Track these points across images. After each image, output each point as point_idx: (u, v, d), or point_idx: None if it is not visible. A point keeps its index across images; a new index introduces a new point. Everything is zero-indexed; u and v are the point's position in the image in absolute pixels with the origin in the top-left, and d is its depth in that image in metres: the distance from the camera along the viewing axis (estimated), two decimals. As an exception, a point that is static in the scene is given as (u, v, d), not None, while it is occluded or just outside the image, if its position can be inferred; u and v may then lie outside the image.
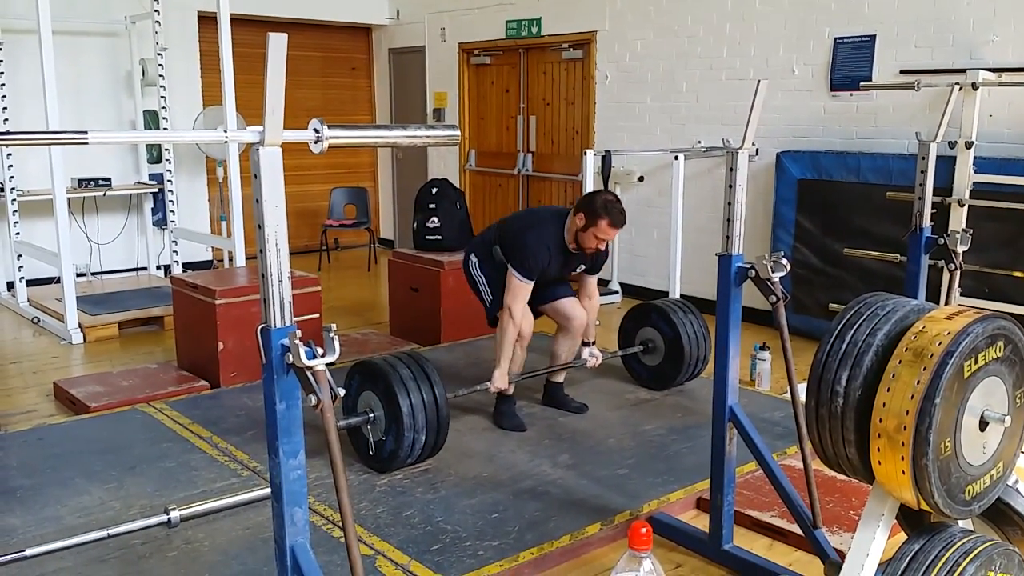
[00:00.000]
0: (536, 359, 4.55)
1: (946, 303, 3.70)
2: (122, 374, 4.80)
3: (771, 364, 4.74)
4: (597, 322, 4.33)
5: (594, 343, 4.26)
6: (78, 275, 6.45)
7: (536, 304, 4.07)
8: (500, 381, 3.89)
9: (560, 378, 4.33)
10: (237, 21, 6.37)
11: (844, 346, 2.08)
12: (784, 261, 2.58)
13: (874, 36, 5.44)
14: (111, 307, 6.15)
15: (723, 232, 2.74)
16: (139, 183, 7.69)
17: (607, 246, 4.00)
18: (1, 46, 6.61)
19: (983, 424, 2.03)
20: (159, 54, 7.16)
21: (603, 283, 6.98)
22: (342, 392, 1.72)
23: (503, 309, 3.88)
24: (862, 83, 5.30)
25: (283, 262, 1.74)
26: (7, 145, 1.74)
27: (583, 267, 4.06)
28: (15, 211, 6.68)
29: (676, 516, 3.23)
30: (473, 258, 4.10)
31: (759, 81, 2.68)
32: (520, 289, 3.85)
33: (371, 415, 3.46)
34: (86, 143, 1.55)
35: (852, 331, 2.09)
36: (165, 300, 5.84)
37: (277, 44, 1.57)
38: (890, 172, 5.24)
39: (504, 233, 4.00)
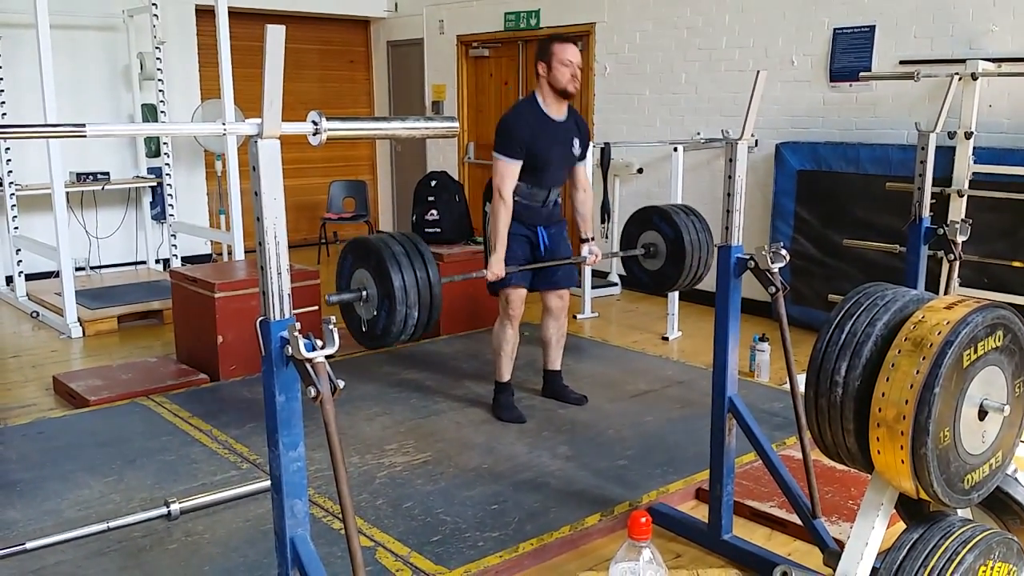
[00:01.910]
0: (533, 350, 4.55)
1: (945, 293, 3.70)
2: (121, 368, 4.80)
3: (770, 355, 4.75)
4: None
5: (593, 239, 4.18)
6: (77, 269, 6.45)
7: (534, 283, 4.05)
8: (496, 267, 3.77)
9: (557, 365, 4.33)
10: (235, 14, 6.35)
11: (843, 336, 2.08)
12: (783, 252, 2.58)
13: (873, 26, 5.43)
14: (110, 301, 6.15)
15: (722, 223, 2.74)
16: (138, 177, 7.68)
17: (587, 125, 3.98)
18: (-1, 40, 6.61)
19: (982, 413, 2.03)
20: (157, 48, 7.14)
21: (602, 275, 6.98)
22: (342, 384, 1.72)
23: (493, 192, 3.81)
24: (861, 74, 5.29)
25: (282, 255, 1.74)
26: (5, 138, 1.73)
27: (577, 141, 3.98)
28: (14, 205, 6.68)
29: (676, 507, 3.23)
30: (488, 206, 4.01)
31: (758, 72, 2.68)
32: (507, 169, 3.78)
33: (364, 292, 3.39)
34: (84, 136, 1.54)
35: (851, 321, 2.09)
36: (164, 294, 5.84)
37: (275, 36, 1.57)
38: (889, 163, 5.24)
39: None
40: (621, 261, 4.33)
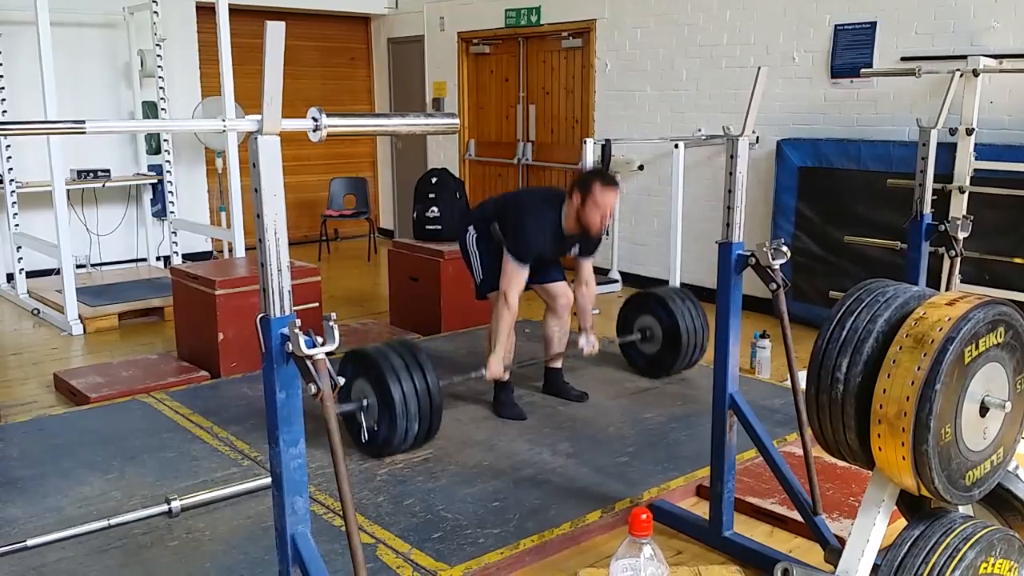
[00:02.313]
0: (534, 347, 4.55)
1: (946, 290, 3.70)
2: (122, 365, 4.80)
3: (771, 352, 4.75)
4: (596, 310, 4.32)
5: (591, 329, 4.24)
6: (78, 266, 6.45)
7: (528, 282, 4.05)
8: (496, 368, 3.85)
9: (558, 363, 4.33)
10: (235, 11, 6.35)
11: (844, 333, 2.08)
12: (784, 248, 2.58)
13: (875, 23, 5.42)
14: (111, 298, 6.15)
15: (723, 220, 2.74)
16: (138, 174, 7.68)
17: (600, 235, 3.97)
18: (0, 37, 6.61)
19: (983, 410, 2.03)
20: (157, 45, 7.14)
21: (603, 272, 6.98)
22: (342, 381, 1.72)
23: (499, 295, 3.85)
24: (863, 70, 5.29)
25: (282, 251, 1.74)
26: (6, 134, 1.73)
27: (578, 247, 4.02)
28: (14, 203, 6.68)
29: (676, 503, 3.23)
30: (472, 231, 4.06)
31: (759, 68, 2.67)
32: (516, 274, 3.83)
33: (364, 402, 3.45)
34: (84, 132, 1.54)
35: (852, 318, 2.09)
36: (165, 291, 5.84)
37: (275, 32, 1.57)
38: (891, 159, 5.23)
39: (503, 212, 3.95)
40: (619, 346, 4.58)
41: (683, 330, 4.32)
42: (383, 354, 3.42)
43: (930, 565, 1.95)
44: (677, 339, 4.33)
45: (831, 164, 5.56)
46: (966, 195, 4.76)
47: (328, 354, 1.71)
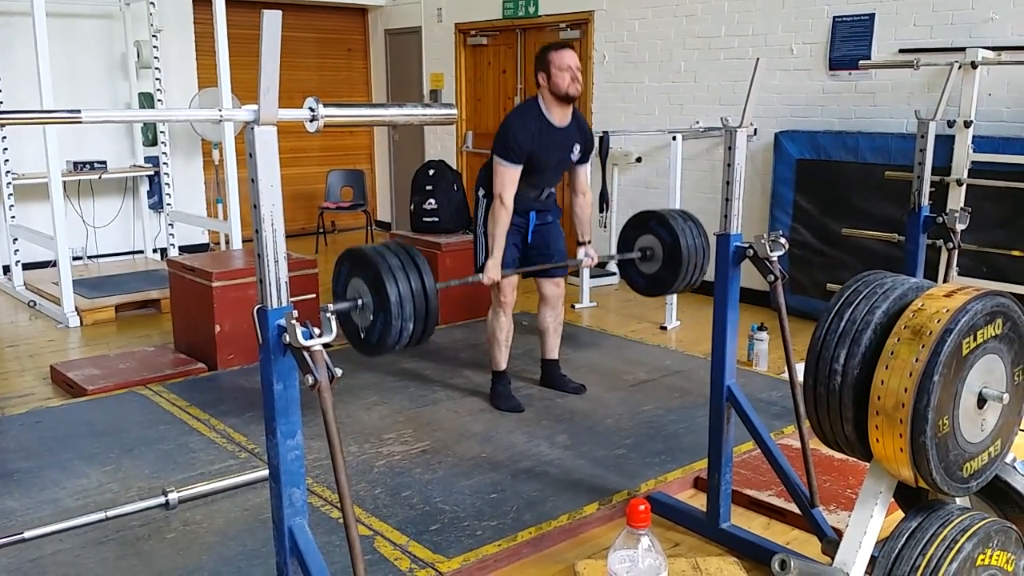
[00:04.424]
0: (529, 340, 4.55)
1: (944, 282, 3.70)
2: (119, 357, 4.79)
3: (768, 344, 4.75)
4: (591, 247, 4.25)
5: (590, 242, 4.19)
6: (74, 258, 6.44)
7: (533, 273, 4.06)
8: (493, 271, 3.78)
9: (555, 354, 4.32)
10: (232, 2, 6.30)
11: (842, 324, 2.07)
12: (782, 240, 2.58)
13: (873, 15, 5.41)
14: (108, 290, 6.14)
15: (721, 211, 2.74)
16: (135, 166, 7.66)
17: (590, 130, 4.08)
18: (-6, 28, 6.58)
19: (981, 402, 2.03)
20: (154, 36, 7.12)
21: (600, 265, 6.97)
22: (340, 372, 1.72)
23: (494, 198, 3.82)
24: (861, 62, 5.28)
25: (279, 242, 1.73)
26: (3, 124, 1.72)
27: (578, 147, 3.99)
28: (10, 194, 6.66)
29: (674, 495, 3.23)
30: (481, 191, 4.02)
31: (757, 59, 2.67)
32: (508, 174, 3.79)
33: (359, 301, 3.38)
34: (80, 121, 1.53)
35: (850, 309, 2.08)
36: (162, 283, 5.83)
37: (272, 21, 1.56)
38: (889, 151, 5.23)
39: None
40: (617, 264, 4.35)
41: (684, 247, 4.18)
42: (379, 253, 3.34)
43: (927, 557, 1.95)
44: (678, 257, 4.19)
45: (829, 156, 5.56)
46: (964, 187, 4.76)
47: (325, 345, 1.70)
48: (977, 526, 2.00)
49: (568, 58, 3.81)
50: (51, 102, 5.50)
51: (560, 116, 3.87)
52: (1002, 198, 4.77)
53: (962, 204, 4.68)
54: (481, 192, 3.98)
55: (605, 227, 6.52)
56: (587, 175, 4.14)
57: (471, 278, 3.83)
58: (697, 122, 6.33)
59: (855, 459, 2.23)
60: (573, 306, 6.11)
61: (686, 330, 5.60)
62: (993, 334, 2.00)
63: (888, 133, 5.33)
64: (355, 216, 9.18)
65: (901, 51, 5.28)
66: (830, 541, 2.50)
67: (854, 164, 5.42)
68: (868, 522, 2.14)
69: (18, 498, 3.14)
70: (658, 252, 4.19)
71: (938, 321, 1.92)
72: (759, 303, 5.40)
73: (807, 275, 5.71)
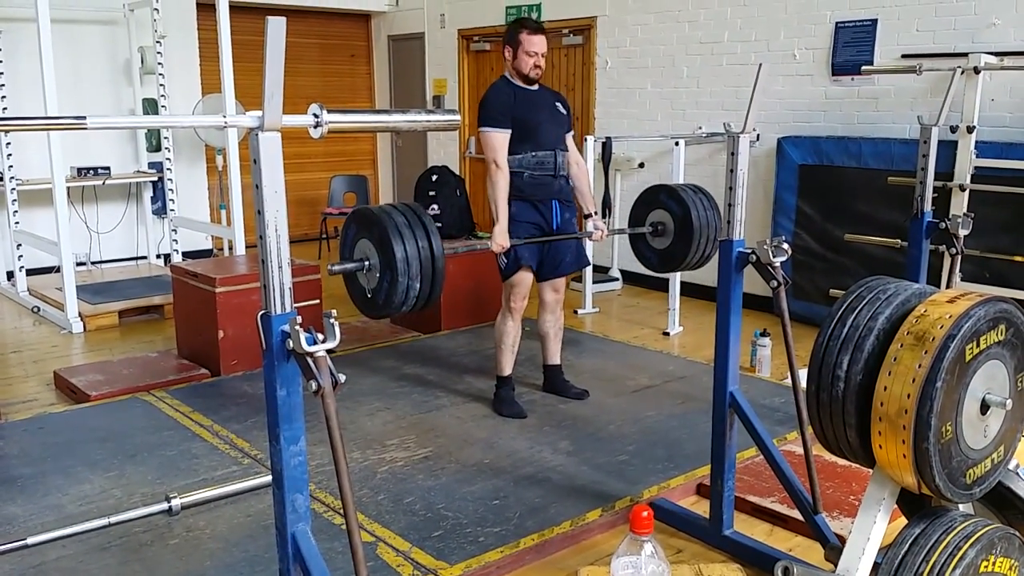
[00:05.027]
0: (532, 346, 4.54)
1: (947, 288, 3.69)
2: (122, 363, 4.80)
3: (771, 350, 4.74)
4: (598, 219, 4.21)
5: (597, 213, 4.17)
6: (78, 264, 6.45)
7: (543, 271, 4.04)
8: (501, 237, 3.77)
9: (557, 359, 4.32)
10: (236, 8, 6.35)
11: (845, 330, 2.07)
12: (785, 246, 2.58)
13: (875, 20, 5.42)
14: (111, 296, 6.15)
15: (724, 217, 2.74)
16: (138, 172, 7.67)
17: (561, 94, 4.13)
18: (0, 34, 6.60)
19: (984, 408, 2.02)
20: (158, 42, 7.14)
21: (603, 270, 6.98)
22: (343, 378, 1.72)
23: (488, 165, 3.88)
24: (863, 68, 5.28)
25: (283, 248, 1.73)
26: (6, 130, 1.73)
27: (560, 104, 4.05)
28: (14, 200, 6.67)
29: (676, 502, 3.23)
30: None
31: (759, 64, 2.67)
32: (496, 139, 3.85)
33: (366, 262, 3.37)
34: (85, 128, 1.54)
35: (853, 315, 2.08)
36: (165, 289, 5.84)
37: (276, 28, 1.56)
38: (891, 157, 5.23)
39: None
40: (629, 241, 4.30)
41: (695, 219, 4.11)
42: (386, 212, 3.31)
43: (930, 564, 1.94)
44: (689, 230, 4.12)
45: (832, 162, 5.56)
46: (967, 193, 4.76)
47: (329, 351, 1.70)
48: (980, 533, 1.99)
49: (536, 45, 3.90)
50: (55, 108, 5.51)
51: (528, 85, 3.98)
52: (1005, 203, 4.76)
53: (965, 209, 4.68)
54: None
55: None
56: (574, 145, 4.14)
57: (478, 245, 3.83)
58: (700, 128, 6.34)
59: (858, 465, 2.22)
60: (576, 311, 6.11)
61: (689, 336, 5.59)
62: (996, 340, 2.00)
63: (891, 138, 5.33)
64: (358, 222, 9.17)
65: (904, 56, 5.28)
66: (833, 548, 2.49)
67: (857, 169, 5.42)
68: (871, 529, 2.13)
69: (21, 504, 3.14)
70: (669, 226, 4.11)
71: (941, 327, 1.92)
72: (762, 309, 5.39)
73: (810, 281, 5.71)
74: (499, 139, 3.85)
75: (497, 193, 3.82)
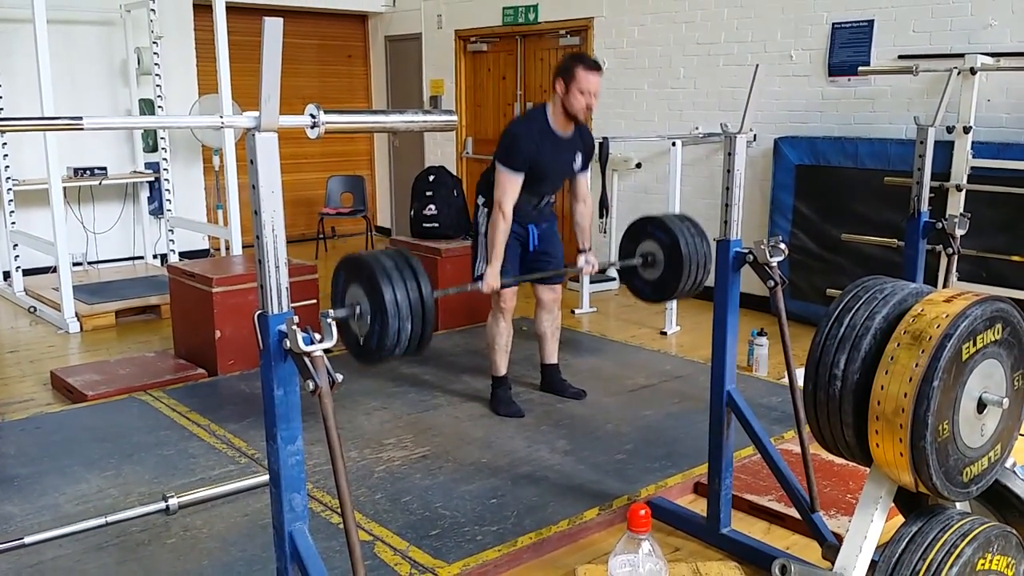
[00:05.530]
0: (529, 345, 4.54)
1: (944, 287, 3.70)
2: (119, 363, 4.79)
3: (768, 349, 4.75)
4: (591, 255, 4.24)
5: (590, 250, 4.16)
6: (74, 264, 6.44)
7: (529, 271, 4.05)
8: (492, 279, 3.74)
9: (554, 359, 4.32)
10: (232, 9, 6.34)
11: (842, 329, 2.08)
12: (782, 246, 2.58)
13: (872, 21, 5.43)
14: (108, 296, 6.14)
15: (721, 217, 2.75)
16: (135, 172, 7.67)
17: (591, 136, 4.04)
18: (-5, 34, 6.60)
19: (981, 407, 2.03)
20: (154, 43, 7.13)
21: (600, 270, 6.96)
22: (340, 378, 1.72)
23: (494, 206, 3.79)
24: (860, 68, 5.29)
25: (280, 248, 1.74)
26: (3, 131, 1.73)
27: (579, 155, 3.98)
28: (11, 200, 6.66)
29: (674, 500, 3.23)
30: (481, 199, 4.01)
31: (756, 65, 2.67)
32: (509, 182, 3.76)
33: (357, 307, 3.38)
34: (81, 128, 1.54)
35: (850, 314, 2.09)
36: (162, 289, 5.83)
37: (273, 29, 1.56)
38: (888, 157, 5.23)
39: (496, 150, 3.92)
40: (620, 275, 4.33)
41: (683, 245, 4.15)
42: (374, 257, 3.34)
43: (927, 562, 1.95)
44: (679, 259, 4.16)
45: (828, 162, 5.57)
46: (963, 193, 4.77)
47: (326, 351, 1.70)
48: (977, 531, 2.00)
49: (593, 84, 3.75)
50: (52, 109, 5.51)
51: (564, 127, 3.87)
52: (1001, 203, 4.77)
53: (961, 209, 4.69)
54: (481, 200, 3.99)
55: (605, 232, 6.52)
56: (587, 182, 4.14)
57: (469, 286, 3.82)
58: (696, 128, 6.34)
59: (855, 464, 2.23)
60: (573, 311, 6.11)
61: (686, 335, 5.60)
62: (993, 339, 2.01)
63: (887, 139, 5.34)
64: (355, 222, 9.19)
65: (900, 57, 5.29)
66: (830, 546, 2.50)
67: (853, 170, 5.43)
68: (868, 527, 2.14)
69: (18, 503, 3.13)
70: (659, 256, 4.15)
71: (938, 326, 1.93)
72: (759, 308, 5.41)
73: (807, 280, 5.72)
74: (512, 182, 3.77)
75: (496, 236, 3.78)
